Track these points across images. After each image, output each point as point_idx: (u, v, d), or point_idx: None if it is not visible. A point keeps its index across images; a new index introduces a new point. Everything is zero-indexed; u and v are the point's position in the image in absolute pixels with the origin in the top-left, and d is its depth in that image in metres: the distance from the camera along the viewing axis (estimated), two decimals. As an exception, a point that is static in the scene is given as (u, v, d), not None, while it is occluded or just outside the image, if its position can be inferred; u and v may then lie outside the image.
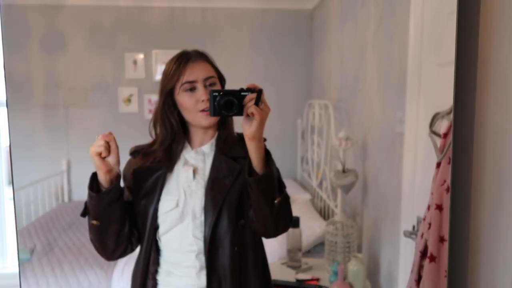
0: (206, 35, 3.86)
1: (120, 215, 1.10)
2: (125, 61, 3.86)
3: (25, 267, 2.30)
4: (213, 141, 1.18)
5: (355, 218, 2.39)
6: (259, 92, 0.98)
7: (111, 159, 1.05)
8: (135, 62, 3.91)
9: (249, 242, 1.14)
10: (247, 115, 0.98)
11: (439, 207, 1.06)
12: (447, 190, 1.05)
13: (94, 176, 1.07)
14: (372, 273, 2.07)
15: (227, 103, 1.00)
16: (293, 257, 2.06)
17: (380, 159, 1.98)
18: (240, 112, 1.00)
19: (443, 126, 1.32)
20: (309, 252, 2.41)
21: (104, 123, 3.79)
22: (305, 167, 3.63)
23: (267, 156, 1.04)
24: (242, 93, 1.00)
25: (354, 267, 1.87)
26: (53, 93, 3.78)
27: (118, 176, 1.09)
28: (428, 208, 1.14)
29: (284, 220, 1.09)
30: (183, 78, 1.11)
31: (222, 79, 1.19)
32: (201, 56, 1.16)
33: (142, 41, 3.84)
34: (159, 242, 1.14)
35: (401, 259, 1.66)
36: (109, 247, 1.12)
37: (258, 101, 0.97)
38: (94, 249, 1.14)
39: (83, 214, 1.11)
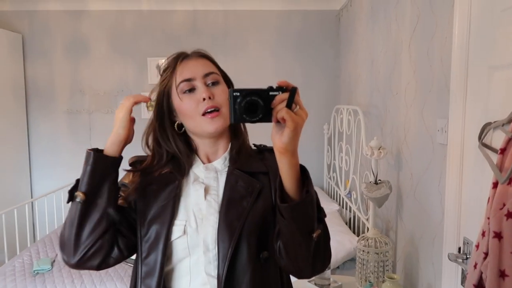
0: (229, 38, 3.79)
1: (112, 197, 0.88)
2: (148, 66, 3.84)
3: (45, 277, 2.25)
4: (226, 154, 0.98)
5: (388, 233, 2.22)
6: (292, 91, 0.74)
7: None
8: (158, 67, 3.87)
9: (274, 279, 0.93)
10: (277, 121, 0.75)
11: (498, 235, 0.91)
12: (508, 215, 0.90)
13: (97, 149, 0.90)
14: (409, 296, 1.90)
15: (250, 106, 0.74)
16: (322, 274, 1.91)
17: (417, 171, 1.81)
18: (267, 117, 0.75)
19: (495, 138, 1.16)
20: (338, 269, 2.27)
21: (127, 128, 3.75)
22: (332, 175, 3.49)
23: (303, 174, 0.81)
24: (271, 93, 0.75)
25: (389, 289, 1.71)
26: (77, 98, 3.79)
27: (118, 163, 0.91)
28: (483, 234, 0.98)
29: (322, 259, 0.85)
30: (178, 77, 0.92)
31: (228, 81, 0.99)
32: (199, 54, 0.97)
33: (165, 45, 3.80)
34: (167, 279, 0.92)
35: (444, 284, 1.50)
36: (81, 241, 0.85)
37: (291, 102, 0.74)
38: (59, 245, 0.89)
39: (71, 192, 0.87)
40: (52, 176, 3.75)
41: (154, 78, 3.74)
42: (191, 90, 0.92)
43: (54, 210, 3.23)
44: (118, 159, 0.90)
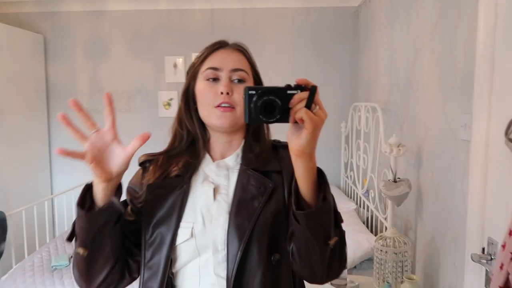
0: (246, 36, 3.77)
1: (116, 244, 0.85)
2: (165, 65, 3.86)
3: (63, 273, 2.28)
4: (239, 151, 0.94)
5: (407, 233, 2.16)
6: (312, 90, 0.69)
7: (117, 160, 0.78)
8: (175, 66, 3.89)
9: (286, 282, 0.89)
10: (295, 122, 0.71)
11: (527, 234, 0.86)
12: (537, 213, 0.85)
13: (87, 189, 0.81)
14: (430, 298, 1.85)
15: (267, 105, 0.70)
16: (339, 274, 1.88)
17: (439, 169, 1.75)
18: (284, 118, 0.71)
19: (523, 133, 1.11)
20: (355, 268, 2.22)
21: (145, 127, 3.80)
22: (349, 174, 3.43)
23: (319, 178, 0.76)
24: (289, 91, 0.70)
25: (409, 291, 1.66)
26: (97, 97, 3.84)
27: (119, 189, 0.84)
28: (510, 233, 0.94)
29: (338, 265, 0.82)
30: (207, 63, 0.91)
31: (258, 81, 0.96)
32: (238, 46, 0.95)
33: (182, 44, 3.82)
34: (173, 279, 0.90)
35: (466, 286, 1.44)
36: (94, 282, 0.84)
37: (311, 102, 0.69)
38: (74, 279, 0.87)
39: (70, 238, 0.84)
40: (71, 173, 3.81)
41: (171, 77, 3.77)
42: (215, 79, 0.90)
43: (73, 207, 3.27)
44: (115, 197, 0.82)
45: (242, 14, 3.72)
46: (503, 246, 0.97)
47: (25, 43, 3.51)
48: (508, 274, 0.92)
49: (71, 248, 2.62)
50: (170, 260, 0.86)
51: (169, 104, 3.80)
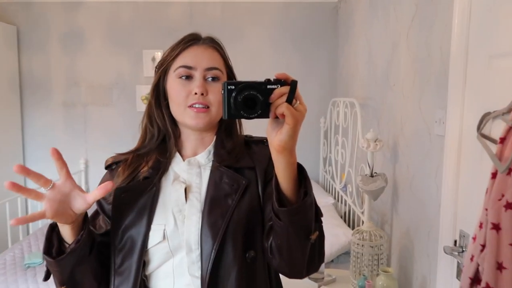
0: (226, 30, 3.73)
1: (96, 269, 0.84)
2: (144, 58, 3.78)
3: (36, 271, 2.22)
4: (211, 147, 0.92)
5: (383, 226, 2.20)
6: (293, 85, 0.68)
7: (78, 200, 0.75)
8: (153, 59, 3.82)
9: (262, 278, 0.88)
10: (276, 117, 0.69)
11: (496, 227, 0.88)
12: (506, 206, 0.87)
13: (49, 236, 0.79)
14: (404, 290, 1.88)
15: (248, 101, 0.68)
16: (316, 268, 1.89)
17: (414, 163, 1.78)
18: (265, 113, 0.69)
19: (494, 128, 1.14)
20: (332, 262, 2.25)
21: (122, 121, 3.73)
22: (327, 169, 3.46)
23: (300, 173, 0.75)
24: (269, 86, 0.69)
25: (384, 283, 1.68)
26: (72, 91, 3.74)
27: (85, 219, 0.81)
28: (480, 226, 0.96)
29: (318, 259, 0.81)
30: (180, 60, 0.87)
31: (232, 78, 0.94)
32: (212, 42, 0.91)
33: (161, 37, 3.74)
34: (146, 281, 0.87)
35: (439, 277, 1.47)
36: None
37: (292, 97, 0.68)
38: None
39: (46, 277, 0.82)
40: (46, 169, 3.69)
41: (149, 71, 3.70)
42: (188, 77, 0.87)
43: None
44: (84, 228, 0.80)
45: (222, 8, 3.68)
46: (474, 239, 0.99)
47: (-4, 34, 3.39)
48: (477, 265, 0.94)
49: (45, 245, 2.56)
50: (143, 263, 0.85)
51: (147, 98, 3.73)
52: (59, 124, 3.75)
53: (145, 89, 3.72)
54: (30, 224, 3.12)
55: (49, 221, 0.80)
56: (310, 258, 0.79)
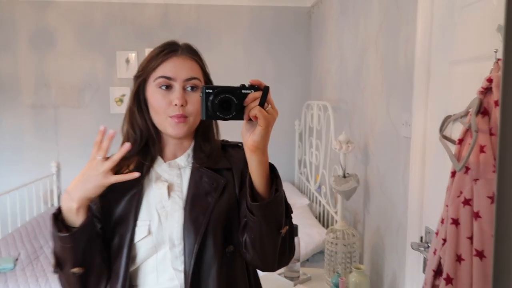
0: (201, 33, 3.75)
1: (102, 250, 0.89)
2: (117, 60, 3.74)
3: (7, 277, 2.17)
4: (190, 151, 0.98)
5: (356, 225, 2.27)
6: (265, 90, 0.76)
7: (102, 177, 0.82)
8: (127, 61, 3.79)
9: (240, 272, 0.93)
10: (249, 119, 0.76)
11: (455, 222, 0.95)
12: (464, 203, 0.94)
13: (55, 217, 0.84)
14: (375, 286, 1.95)
15: (223, 103, 0.75)
16: (291, 267, 1.94)
17: (383, 164, 1.86)
18: (239, 115, 0.76)
19: (455, 130, 1.21)
20: (307, 261, 2.30)
21: (96, 123, 3.67)
22: (302, 170, 3.53)
23: (272, 172, 0.83)
24: (243, 91, 0.76)
25: (356, 280, 1.75)
26: (42, 92, 3.66)
27: (89, 205, 0.87)
28: (442, 221, 1.03)
29: (288, 253, 0.89)
30: (159, 70, 0.90)
31: (209, 84, 0.98)
32: (190, 52, 0.94)
33: (135, 39, 3.72)
34: (132, 278, 0.92)
35: (408, 272, 1.55)
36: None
37: (264, 101, 0.75)
38: None
39: (56, 266, 0.85)
40: (15, 172, 3.60)
41: (123, 72, 3.67)
42: (168, 87, 0.90)
43: (17, 208, 3.11)
44: (90, 210, 0.86)
45: (197, 11, 3.70)
46: (437, 233, 1.06)
47: (-38, 33, 3.27)
48: (440, 258, 1.01)
49: (16, 250, 2.49)
50: (129, 258, 0.89)
51: (121, 100, 3.70)
52: (28, 126, 3.66)
53: (119, 91, 3.68)
54: (0, 229, 3.03)
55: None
56: (281, 251, 0.86)
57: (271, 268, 0.90)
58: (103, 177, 0.82)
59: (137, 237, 0.89)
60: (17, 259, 2.37)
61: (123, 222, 0.90)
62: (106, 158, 0.83)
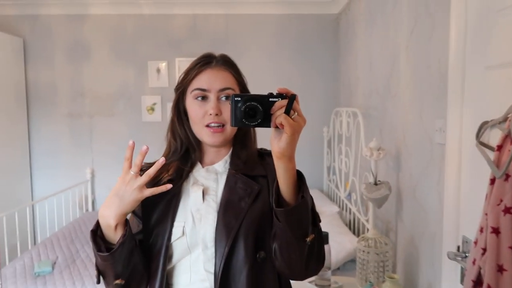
0: (229, 42, 3.81)
1: (142, 259, 0.92)
2: (148, 70, 3.85)
3: (46, 280, 2.26)
4: (227, 158, 1.01)
5: (388, 234, 2.23)
6: (291, 98, 0.77)
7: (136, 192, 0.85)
8: (158, 71, 3.90)
9: (271, 279, 0.93)
10: (276, 127, 0.78)
11: (496, 231, 0.92)
12: (505, 211, 0.91)
13: (94, 234, 0.87)
14: (409, 295, 1.91)
15: (250, 110, 0.78)
16: (322, 275, 1.92)
17: (417, 171, 1.83)
18: (266, 123, 0.79)
19: (492, 136, 1.18)
20: (338, 270, 2.28)
21: (128, 132, 3.79)
22: (332, 178, 3.50)
23: (299, 179, 0.84)
24: (271, 99, 0.78)
25: (389, 289, 1.72)
26: (78, 102, 3.82)
27: (126, 219, 0.90)
28: (481, 230, 1.00)
29: (316, 262, 0.89)
30: (195, 83, 0.95)
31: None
32: (224, 63, 0.98)
33: (165, 49, 3.83)
34: (169, 276, 0.96)
35: (444, 283, 1.51)
36: None
37: (290, 109, 0.76)
38: None
39: (99, 280, 0.90)
40: (52, 179, 3.76)
41: (154, 81, 3.77)
42: (204, 98, 0.95)
43: (55, 213, 3.24)
44: (129, 231, 0.89)
45: (225, 20, 3.76)
46: (475, 243, 1.03)
47: (5, 47, 3.47)
48: (479, 268, 0.98)
49: (54, 254, 2.59)
50: (166, 258, 0.92)
51: (152, 109, 3.80)
52: (65, 134, 3.81)
53: (150, 100, 3.78)
54: (39, 234, 3.16)
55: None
56: (308, 260, 0.86)
57: (298, 276, 0.91)
58: (139, 191, 0.84)
59: (173, 237, 0.93)
60: (55, 263, 2.46)
61: (161, 223, 0.94)
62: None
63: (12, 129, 3.54)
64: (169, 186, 0.87)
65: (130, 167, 0.85)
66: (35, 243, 3.32)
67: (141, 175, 0.95)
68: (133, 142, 0.86)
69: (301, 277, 0.91)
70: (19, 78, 3.66)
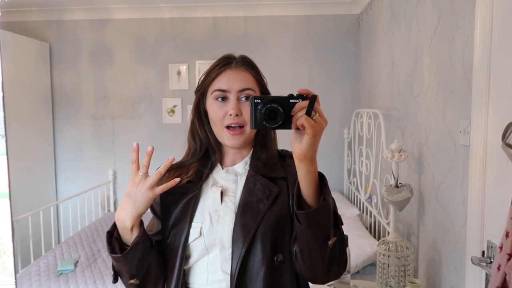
0: (249, 44, 3.82)
1: (158, 260, 0.93)
2: (169, 72, 3.90)
3: (68, 278, 2.31)
4: (247, 159, 1.00)
5: (409, 237, 2.18)
6: (312, 99, 0.75)
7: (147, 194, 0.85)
8: (179, 73, 3.94)
9: (289, 281, 0.91)
10: (297, 128, 0.77)
11: (523, 236, 0.89)
12: (532, 215, 0.87)
13: (110, 235, 0.88)
14: (432, 301, 1.86)
15: (270, 112, 0.76)
16: (341, 278, 1.89)
17: (439, 174, 1.78)
18: (287, 124, 0.77)
19: (520, 137, 1.14)
20: (358, 273, 2.24)
21: (149, 134, 3.84)
22: (352, 180, 3.45)
23: (320, 182, 0.83)
24: (291, 101, 0.77)
25: (411, 294, 1.67)
26: (101, 104, 3.90)
27: (141, 219, 0.91)
28: (507, 235, 0.96)
29: (337, 265, 0.87)
30: (215, 84, 0.95)
31: (265, 94, 1.00)
32: (244, 64, 0.98)
33: (186, 51, 3.87)
34: (186, 275, 0.96)
35: (468, 289, 1.46)
36: None
37: (311, 110, 0.75)
38: None
39: (115, 279, 0.92)
40: (76, 179, 3.85)
41: (175, 84, 3.81)
42: (224, 99, 0.95)
43: (78, 213, 3.31)
44: (142, 226, 0.89)
45: (245, 22, 3.77)
46: (500, 248, 0.99)
47: (31, 51, 3.58)
48: (505, 274, 0.94)
49: (77, 253, 2.65)
50: (183, 258, 0.93)
51: (173, 111, 3.84)
52: (88, 136, 3.90)
53: (171, 102, 3.83)
54: (62, 233, 3.24)
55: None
56: (330, 263, 0.85)
57: (320, 280, 0.89)
58: (150, 191, 0.84)
59: (190, 238, 0.93)
60: (77, 261, 2.51)
61: (179, 223, 0.94)
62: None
63: (38, 130, 3.65)
64: (177, 180, 0.86)
65: (138, 168, 0.86)
66: (58, 242, 3.41)
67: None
68: (137, 144, 0.86)
69: (323, 281, 0.89)
70: (45, 82, 3.77)
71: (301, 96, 0.77)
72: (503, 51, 1.25)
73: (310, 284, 1.01)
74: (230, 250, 0.90)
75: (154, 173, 0.86)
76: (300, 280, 0.96)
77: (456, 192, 1.59)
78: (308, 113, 0.75)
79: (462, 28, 1.55)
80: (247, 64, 0.98)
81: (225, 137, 0.95)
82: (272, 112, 0.77)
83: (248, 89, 0.95)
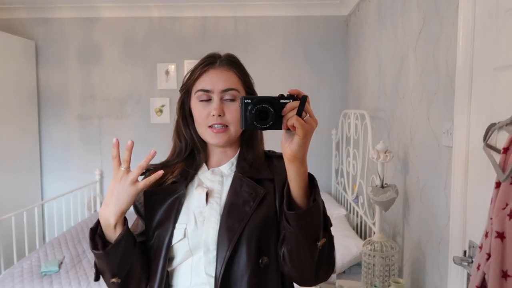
0: (238, 44, 3.82)
1: (141, 260, 0.92)
2: (157, 72, 3.88)
3: (52, 279, 2.27)
4: (234, 160, 0.99)
5: (395, 237, 2.20)
6: (303, 100, 0.75)
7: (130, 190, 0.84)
8: (167, 73, 3.92)
9: (274, 284, 0.91)
10: (288, 129, 0.76)
11: (501, 235, 0.89)
12: (510, 215, 0.88)
13: (93, 232, 0.87)
14: (416, 301, 1.87)
15: (261, 113, 0.76)
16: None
17: (424, 174, 1.80)
18: (277, 125, 0.77)
19: (500, 139, 1.15)
20: (344, 273, 2.25)
21: (137, 133, 3.81)
22: (340, 180, 3.47)
23: (310, 182, 0.83)
24: (282, 101, 0.76)
25: (395, 294, 1.69)
26: (88, 104, 3.85)
27: (125, 217, 0.89)
28: (486, 235, 0.97)
29: (326, 267, 0.86)
30: (198, 84, 0.94)
31: (251, 94, 0.98)
32: (228, 63, 0.95)
33: (174, 51, 3.84)
34: (170, 277, 0.94)
35: (450, 288, 1.47)
36: None
37: (302, 110, 0.75)
38: None
39: (97, 277, 0.91)
40: (63, 179, 3.80)
41: (163, 84, 3.79)
42: (208, 100, 0.93)
43: (63, 213, 3.26)
44: (125, 224, 0.88)
45: (234, 22, 3.77)
46: (480, 248, 1.00)
47: (17, 49, 3.52)
48: (484, 274, 0.95)
49: (61, 254, 2.62)
50: (167, 259, 0.91)
51: (161, 111, 3.82)
52: (75, 136, 3.85)
53: (159, 102, 3.80)
54: (47, 233, 3.20)
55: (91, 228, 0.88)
56: (319, 265, 0.84)
57: (308, 282, 0.88)
58: (133, 186, 0.84)
59: (174, 239, 0.91)
60: (61, 263, 2.48)
61: (163, 224, 0.92)
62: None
63: (23, 130, 3.59)
64: (161, 172, 0.85)
65: (120, 164, 0.85)
66: (43, 243, 3.36)
67: (148, 176, 0.93)
68: (117, 140, 0.85)
69: (311, 283, 0.88)
70: (31, 81, 3.71)
71: (291, 97, 0.77)
72: (485, 53, 1.27)
73: (297, 286, 1.00)
74: (215, 253, 0.88)
75: (136, 168, 0.85)
76: (285, 283, 0.95)
77: (440, 193, 1.61)
78: (299, 114, 0.75)
79: (446, 30, 1.57)
80: (232, 64, 0.96)
81: (208, 136, 0.94)
82: (263, 112, 0.76)
83: (231, 89, 0.93)
